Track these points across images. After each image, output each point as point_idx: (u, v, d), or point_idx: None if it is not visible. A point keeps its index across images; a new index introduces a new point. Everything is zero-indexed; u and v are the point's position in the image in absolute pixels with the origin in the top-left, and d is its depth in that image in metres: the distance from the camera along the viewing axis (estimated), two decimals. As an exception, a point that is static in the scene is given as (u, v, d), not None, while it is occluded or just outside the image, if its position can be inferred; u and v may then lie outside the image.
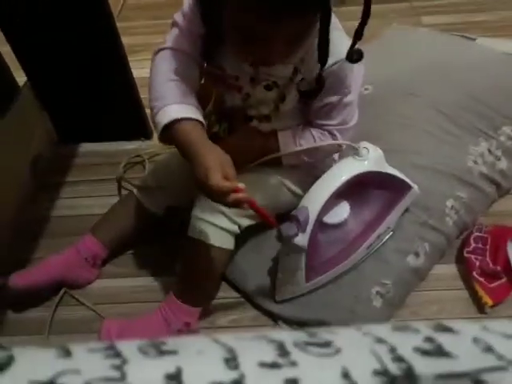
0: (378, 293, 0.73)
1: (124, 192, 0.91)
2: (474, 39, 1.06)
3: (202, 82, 0.69)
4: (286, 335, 0.14)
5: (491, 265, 0.77)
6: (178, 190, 0.79)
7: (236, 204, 0.56)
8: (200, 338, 0.15)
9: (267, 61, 0.58)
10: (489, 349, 0.14)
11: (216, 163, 0.55)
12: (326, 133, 0.69)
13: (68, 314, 0.80)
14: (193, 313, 0.73)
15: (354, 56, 0.58)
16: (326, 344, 0.14)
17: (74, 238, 0.83)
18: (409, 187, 0.75)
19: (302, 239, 0.65)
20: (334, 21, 0.58)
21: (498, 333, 0.15)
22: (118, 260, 0.87)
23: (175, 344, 0.14)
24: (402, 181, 0.74)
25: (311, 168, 0.76)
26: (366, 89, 0.95)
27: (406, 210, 0.79)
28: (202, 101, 0.67)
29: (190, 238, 0.71)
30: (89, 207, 0.96)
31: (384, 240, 0.77)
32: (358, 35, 0.56)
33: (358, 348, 0.14)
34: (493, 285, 0.76)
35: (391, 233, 0.78)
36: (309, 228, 0.65)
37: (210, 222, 0.70)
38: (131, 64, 1.00)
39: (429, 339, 0.14)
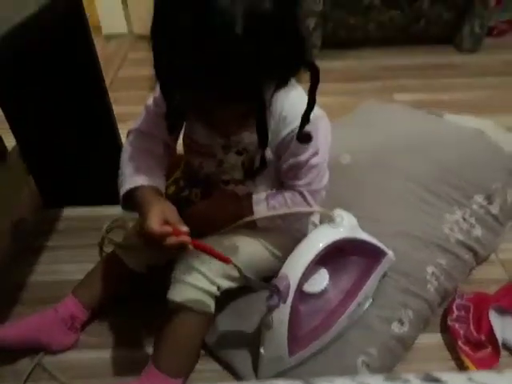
0: (363, 363, 0.71)
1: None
2: (443, 115, 1.14)
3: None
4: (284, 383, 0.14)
5: (475, 334, 0.77)
6: (160, 249, 0.78)
7: (176, 246, 0.58)
8: None
9: (224, 132, 0.61)
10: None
11: (156, 211, 0.59)
12: (295, 193, 0.71)
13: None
14: (173, 384, 0.70)
15: (303, 138, 0.62)
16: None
17: (52, 305, 0.80)
18: (384, 253, 0.76)
19: (283, 310, 0.65)
20: (293, 84, 0.61)
21: (484, 383, 0.16)
22: (96, 329, 0.83)
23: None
24: (377, 247, 0.75)
25: (289, 230, 0.77)
26: (344, 158, 1.00)
27: (387, 276, 0.79)
28: (171, 168, 0.76)
29: (169, 300, 0.70)
30: (69, 273, 0.94)
31: (365, 308, 0.77)
32: (305, 119, 0.60)
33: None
34: (478, 355, 0.76)
35: (371, 300, 0.78)
36: (290, 298, 0.65)
37: (189, 284, 0.69)
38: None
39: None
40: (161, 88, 0.58)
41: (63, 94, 0.95)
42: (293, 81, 0.60)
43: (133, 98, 1.54)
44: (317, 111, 0.62)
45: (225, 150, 0.71)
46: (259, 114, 0.53)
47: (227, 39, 0.44)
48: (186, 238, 0.59)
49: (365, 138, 1.07)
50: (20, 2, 0.64)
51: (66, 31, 0.86)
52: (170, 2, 0.48)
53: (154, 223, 0.58)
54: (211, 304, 0.71)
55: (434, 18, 1.92)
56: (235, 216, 0.72)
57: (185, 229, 0.59)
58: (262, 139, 0.57)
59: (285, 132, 0.65)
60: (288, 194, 0.71)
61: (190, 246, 0.59)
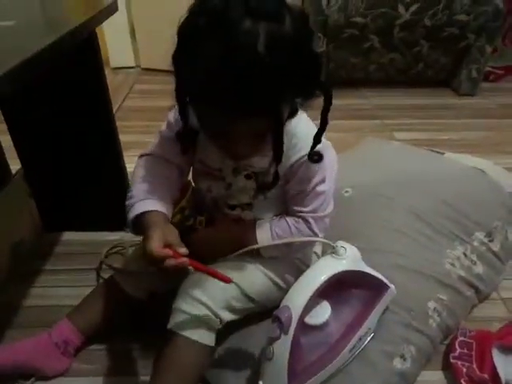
0: (365, 399, 0.69)
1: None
2: (443, 153, 1.16)
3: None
4: None
5: (478, 372, 0.75)
6: (160, 276, 0.77)
7: (175, 268, 0.58)
8: None
9: (239, 155, 0.62)
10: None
11: (157, 234, 0.60)
12: (300, 220, 0.71)
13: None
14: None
15: (315, 157, 0.64)
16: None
17: (44, 330, 0.78)
18: (386, 287, 0.76)
19: (284, 342, 0.64)
20: (301, 115, 0.65)
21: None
22: (90, 355, 0.81)
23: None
24: (380, 280, 0.75)
25: (292, 259, 0.77)
26: (346, 191, 1.01)
27: (389, 310, 0.78)
28: (177, 197, 0.76)
29: (169, 330, 0.69)
30: (64, 297, 0.92)
31: (366, 342, 0.75)
32: (317, 139, 0.62)
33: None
34: (482, 395, 0.74)
35: (372, 334, 0.76)
36: (291, 330, 0.63)
37: (191, 315, 0.68)
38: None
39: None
40: (180, 111, 0.61)
41: (71, 122, 0.97)
42: (300, 110, 0.63)
43: (137, 128, 1.58)
44: (324, 141, 0.63)
45: (234, 173, 0.71)
46: (277, 129, 0.55)
47: (250, 57, 0.48)
48: (185, 260, 0.59)
49: (366, 172, 1.08)
50: (42, 32, 0.66)
51: (79, 62, 0.89)
52: (196, 28, 0.51)
53: (154, 246, 0.58)
54: (212, 336, 0.70)
55: (432, 62, 2.00)
56: (238, 243, 0.72)
57: (183, 250, 0.60)
58: (278, 154, 0.59)
59: (294, 158, 0.66)
60: (292, 221, 0.71)
61: (190, 268, 0.60)
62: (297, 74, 0.51)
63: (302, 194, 0.70)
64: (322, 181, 0.69)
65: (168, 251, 0.58)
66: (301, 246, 0.75)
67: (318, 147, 0.63)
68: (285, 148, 0.58)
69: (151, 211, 0.65)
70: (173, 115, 0.70)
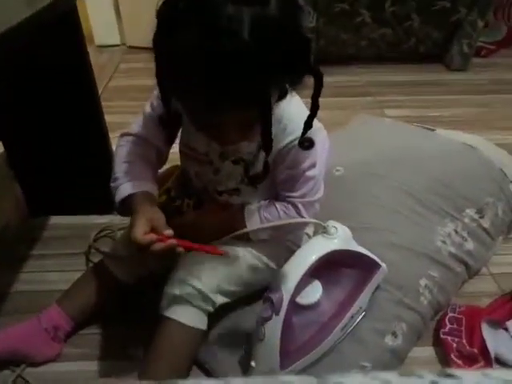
0: (356, 376, 0.70)
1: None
2: (434, 130, 1.15)
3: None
4: (296, 379, 0.13)
5: (468, 347, 0.76)
6: (150, 260, 0.76)
7: (165, 251, 0.58)
8: (209, 380, 0.13)
9: (226, 142, 0.60)
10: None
11: (141, 220, 0.59)
12: (289, 205, 0.70)
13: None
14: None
15: (305, 144, 0.62)
16: (338, 386, 0.13)
17: (33, 316, 0.77)
18: (377, 265, 0.76)
19: (276, 322, 0.64)
20: (293, 96, 0.62)
21: (499, 378, 0.15)
22: (80, 340, 0.80)
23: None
24: (371, 259, 0.75)
25: (282, 242, 0.77)
26: (337, 170, 1.00)
27: (381, 288, 0.79)
28: (163, 179, 0.77)
29: (161, 315, 0.68)
30: (53, 282, 0.91)
31: (357, 321, 0.76)
32: (308, 125, 0.59)
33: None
34: (471, 369, 0.75)
35: (363, 313, 0.77)
36: (283, 310, 0.63)
37: (183, 299, 0.67)
38: (108, 140, 1.02)
39: (434, 383, 0.13)
40: (162, 97, 0.58)
41: (54, 103, 0.94)
42: (292, 92, 0.60)
43: (123, 108, 1.54)
44: (315, 123, 0.61)
45: (221, 158, 0.70)
46: (265, 118, 0.52)
47: (235, 44, 0.45)
48: (173, 242, 0.59)
49: (357, 150, 1.07)
50: (14, 6, 0.63)
51: (59, 39, 0.85)
52: (175, 11, 0.48)
53: (138, 233, 0.58)
54: (204, 320, 0.70)
55: (424, 37, 1.97)
56: (226, 227, 0.71)
57: (168, 232, 0.59)
58: (267, 144, 0.57)
59: (283, 142, 0.65)
60: (281, 206, 0.70)
61: (180, 248, 0.59)
62: (285, 60, 0.48)
63: (292, 179, 0.68)
64: (313, 165, 0.68)
65: (152, 236, 0.58)
66: (291, 229, 0.74)
67: (309, 132, 0.61)
68: (274, 131, 0.56)
69: (137, 193, 0.64)
70: (156, 96, 0.68)
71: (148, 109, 0.71)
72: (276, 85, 0.54)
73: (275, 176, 0.70)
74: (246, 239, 0.73)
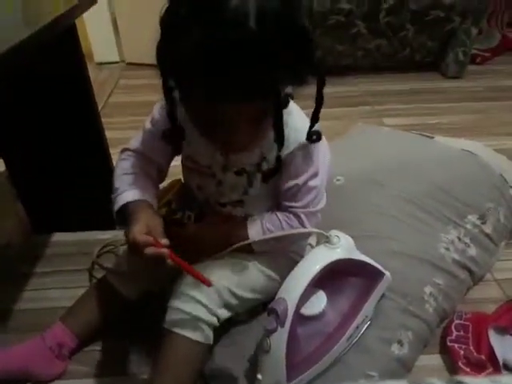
0: (364, 387, 0.69)
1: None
2: (433, 137, 1.16)
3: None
4: None
5: (475, 353, 0.76)
6: (153, 274, 0.76)
7: (154, 257, 0.58)
8: None
9: (232, 147, 0.60)
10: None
11: (141, 221, 0.60)
12: (291, 215, 0.70)
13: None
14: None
15: (313, 136, 0.63)
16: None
17: (37, 333, 0.77)
18: (381, 274, 0.75)
19: (281, 334, 0.63)
20: (293, 106, 0.64)
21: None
22: (85, 357, 0.80)
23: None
24: (375, 268, 0.74)
25: (285, 252, 0.76)
26: (337, 179, 1.00)
27: (386, 297, 0.78)
28: (163, 193, 0.77)
29: (166, 329, 0.68)
30: (56, 300, 0.91)
31: (363, 330, 0.75)
32: (314, 118, 0.61)
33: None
34: (480, 376, 0.74)
35: (369, 322, 0.76)
36: (288, 321, 0.63)
37: (188, 313, 0.67)
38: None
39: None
40: (168, 108, 0.60)
41: (55, 120, 0.95)
42: (292, 103, 0.62)
43: (123, 124, 1.56)
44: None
45: (224, 170, 0.70)
46: (277, 110, 0.53)
47: (241, 33, 0.46)
48: (165, 251, 0.59)
49: (357, 159, 1.07)
50: (13, 26, 0.64)
51: (59, 57, 0.87)
52: (177, 17, 0.49)
53: (137, 232, 0.59)
54: (210, 334, 0.69)
55: (419, 46, 1.99)
56: (228, 240, 0.71)
57: (164, 241, 0.60)
58: (279, 136, 0.57)
59: (286, 151, 0.65)
60: (283, 217, 0.70)
61: (169, 261, 0.60)
62: (289, 50, 0.49)
63: (294, 188, 0.68)
64: (315, 175, 0.68)
65: (149, 238, 0.59)
66: (294, 239, 0.74)
67: (308, 147, 0.63)
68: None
69: (136, 200, 0.65)
70: (158, 111, 0.69)
71: (148, 125, 0.71)
72: (282, 76, 0.53)
73: (277, 186, 0.70)
74: (248, 251, 0.73)
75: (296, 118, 0.64)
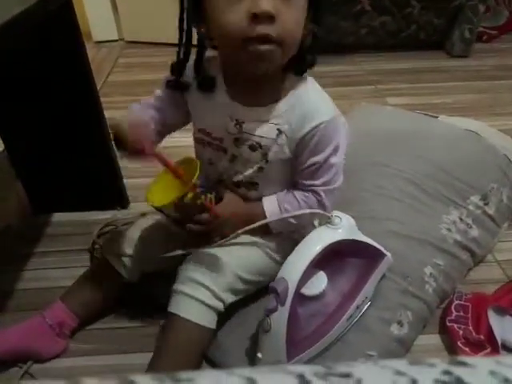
0: (363, 366, 0.70)
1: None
2: (437, 117, 1.14)
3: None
4: (304, 368, 0.13)
5: (474, 333, 0.76)
6: (155, 256, 0.76)
7: (137, 150, 0.59)
8: (213, 371, 0.13)
9: (263, 12, 0.54)
10: (506, 380, 0.13)
11: (132, 116, 0.63)
12: (309, 194, 0.69)
13: (26, 399, 0.72)
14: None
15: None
16: (346, 375, 0.13)
17: (38, 313, 0.77)
18: (382, 255, 0.75)
19: (281, 313, 0.63)
20: (313, 84, 0.63)
21: (513, 366, 0.14)
22: (86, 336, 0.80)
23: (191, 375, 0.13)
24: (376, 249, 0.74)
25: (291, 234, 0.76)
26: (339, 160, 0.99)
27: (386, 278, 0.78)
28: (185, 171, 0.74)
29: (170, 313, 0.67)
30: (57, 279, 0.91)
31: (363, 310, 0.75)
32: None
33: (378, 379, 0.13)
34: (478, 355, 0.75)
35: (369, 303, 0.76)
36: (288, 301, 0.63)
37: (193, 297, 0.66)
38: (109, 135, 1.01)
39: (447, 372, 0.13)
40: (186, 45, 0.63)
41: (53, 99, 0.93)
42: (311, 80, 0.62)
43: (123, 103, 1.53)
44: (336, 111, 0.61)
45: (236, 144, 0.69)
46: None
47: None
48: (149, 143, 0.60)
49: (358, 139, 1.06)
50: (3, 3, 0.62)
51: (56, 35, 0.84)
52: None
53: (127, 121, 0.60)
54: (214, 319, 0.69)
55: (425, 23, 1.94)
56: (247, 221, 0.70)
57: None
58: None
59: (307, 128, 0.64)
60: (301, 196, 0.70)
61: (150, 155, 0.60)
62: None
63: (314, 166, 0.67)
64: (335, 151, 0.67)
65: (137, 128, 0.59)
66: (311, 219, 0.73)
67: (332, 116, 0.63)
68: (296, 118, 0.55)
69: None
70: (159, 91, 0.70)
71: (158, 91, 0.72)
72: None
73: (296, 166, 0.69)
74: (265, 232, 0.72)
75: (314, 94, 0.64)
